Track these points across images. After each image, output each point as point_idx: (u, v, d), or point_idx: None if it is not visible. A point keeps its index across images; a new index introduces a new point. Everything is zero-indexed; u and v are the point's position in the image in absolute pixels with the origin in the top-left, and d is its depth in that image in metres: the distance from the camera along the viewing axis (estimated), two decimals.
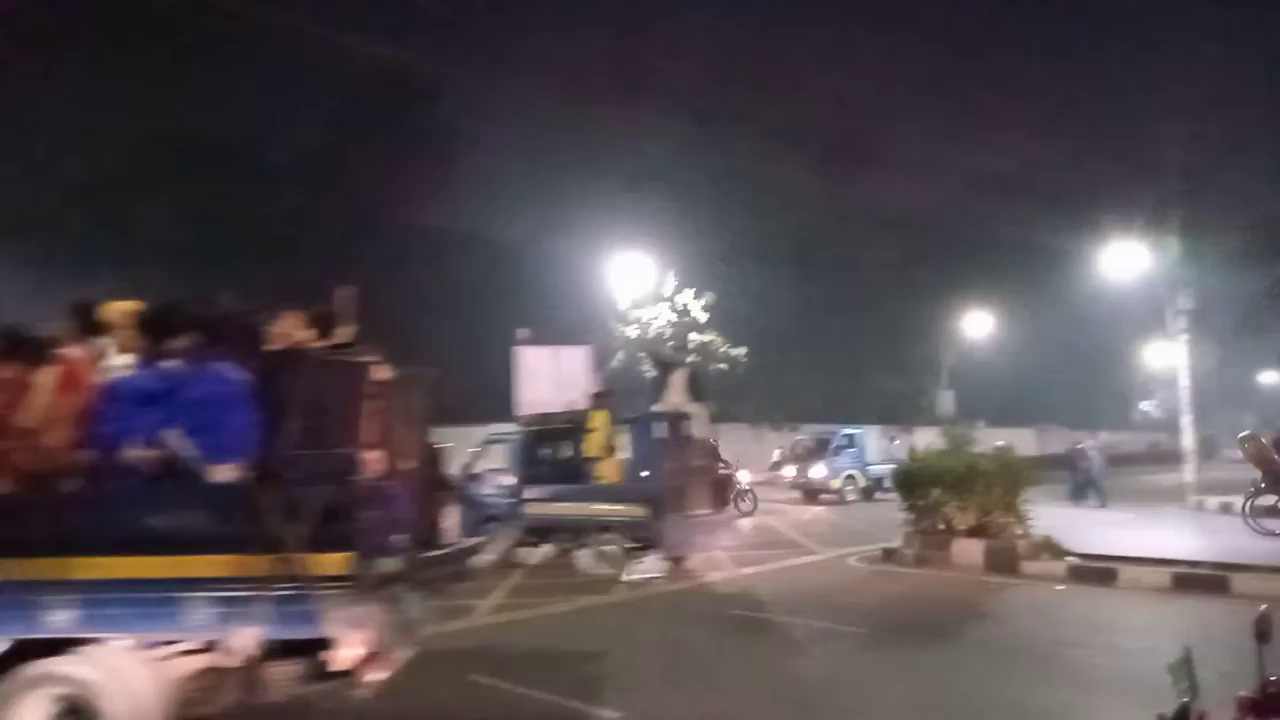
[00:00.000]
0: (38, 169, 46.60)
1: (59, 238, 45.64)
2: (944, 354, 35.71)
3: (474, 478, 13.87)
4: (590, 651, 8.18)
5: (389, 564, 5.22)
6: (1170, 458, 36.23)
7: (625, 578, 11.21)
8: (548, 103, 42.06)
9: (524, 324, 38.19)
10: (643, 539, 11.65)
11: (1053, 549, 11.76)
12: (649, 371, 37.34)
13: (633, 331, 37.99)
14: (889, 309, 36.94)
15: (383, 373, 5.79)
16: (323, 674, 4.96)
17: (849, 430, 26.65)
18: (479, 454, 14.57)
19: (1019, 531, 12.06)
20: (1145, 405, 51.61)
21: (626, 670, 7.64)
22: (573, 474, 12.60)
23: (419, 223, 39.69)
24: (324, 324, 5.80)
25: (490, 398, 36.69)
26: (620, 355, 37.52)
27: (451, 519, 7.27)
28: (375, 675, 5.17)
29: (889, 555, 12.63)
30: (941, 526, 12.28)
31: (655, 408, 13.22)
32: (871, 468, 25.63)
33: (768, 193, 37.27)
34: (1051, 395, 45.71)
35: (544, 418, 13.77)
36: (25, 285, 41.94)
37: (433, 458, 6.86)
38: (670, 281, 38.69)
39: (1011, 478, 12.26)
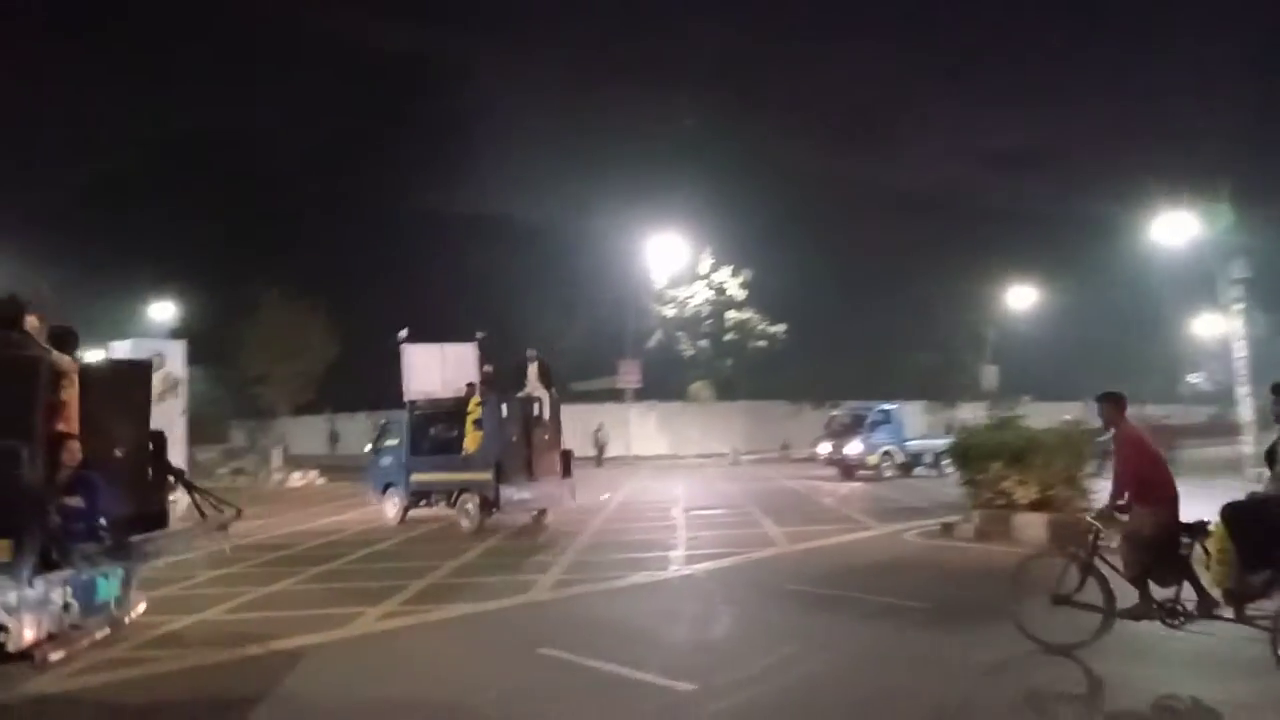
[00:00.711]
0: (66, 165, 47.03)
1: (90, 230, 46.45)
2: (987, 328, 35.20)
3: (377, 452, 17.02)
4: (657, 625, 8.12)
5: (83, 549, 5.50)
6: (1222, 430, 35.52)
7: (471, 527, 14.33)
8: (579, 83, 41.95)
9: (557, 307, 38.23)
10: (488, 499, 14.31)
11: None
12: (686, 350, 37.36)
13: (669, 311, 37.99)
14: (930, 283, 36.47)
15: (69, 364, 5.79)
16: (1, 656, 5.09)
17: (885, 406, 26.30)
18: (380, 433, 17.60)
19: (1082, 505, 11.82)
20: (1193, 378, 50.58)
21: (696, 643, 7.57)
22: (451, 448, 15.25)
23: (449, 208, 39.72)
24: (3, 317, 5.73)
25: (521, 377, 36.84)
26: (658, 334, 37.55)
27: (174, 502, 7.57)
28: (55, 656, 5.32)
29: (947, 530, 12.45)
30: (1001, 501, 12.06)
31: (520, 394, 15.64)
32: (909, 444, 25.34)
33: (806, 169, 36.97)
34: (1096, 369, 44.88)
35: (431, 403, 16.20)
36: (61, 276, 42.78)
37: (152, 445, 7.06)
38: (707, 260, 38.65)
39: (1074, 451, 12.01)
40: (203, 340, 41.74)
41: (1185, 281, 33.94)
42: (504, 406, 15.01)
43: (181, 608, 8.64)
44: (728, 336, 36.92)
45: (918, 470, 24.66)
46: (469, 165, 43.20)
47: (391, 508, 15.93)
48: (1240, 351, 21.20)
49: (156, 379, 17.94)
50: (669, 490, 21.90)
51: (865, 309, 37.07)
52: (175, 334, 45.11)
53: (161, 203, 44.88)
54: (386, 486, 16.30)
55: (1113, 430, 6.83)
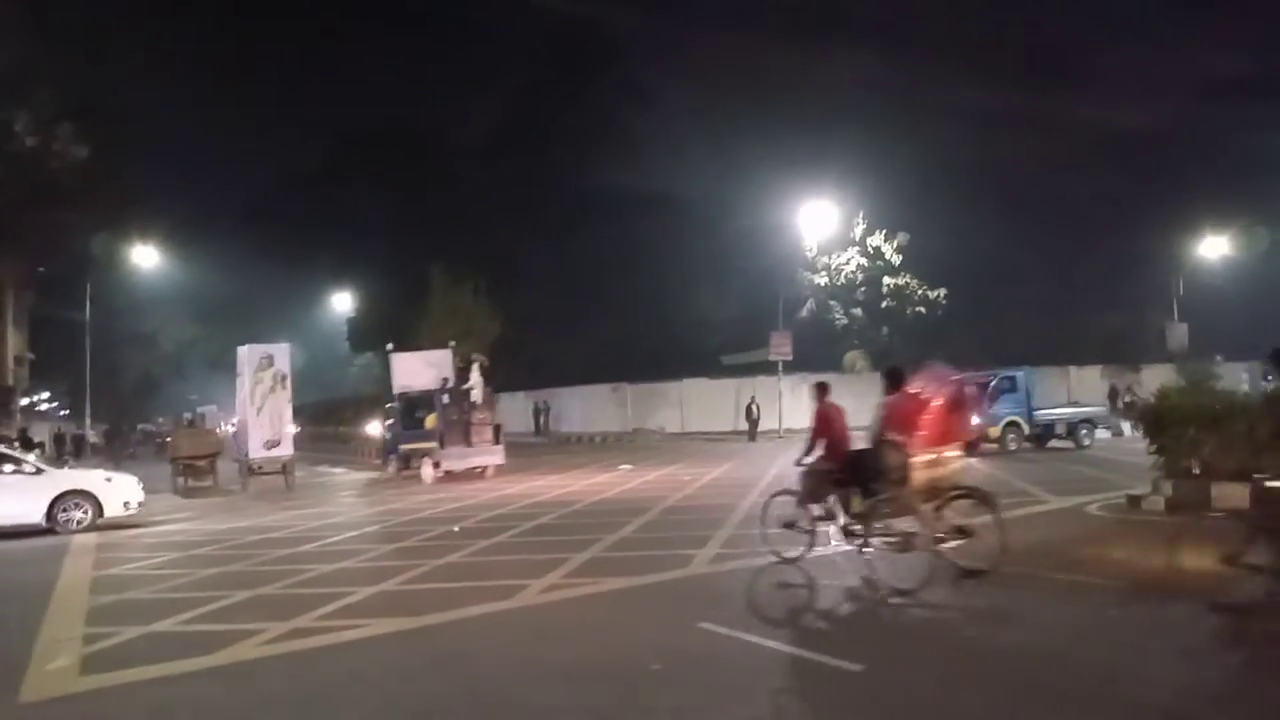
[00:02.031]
0: (260, 162, 50.31)
1: (281, 223, 49.98)
2: (1174, 284, 32.31)
3: (390, 427, 23.13)
4: (817, 601, 7.93)
5: None
6: None
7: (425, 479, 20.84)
8: (725, 53, 41.24)
9: (711, 279, 37.99)
10: (436, 461, 21.30)
11: None
12: (839, 319, 36.41)
13: (821, 279, 37.07)
14: (1108, 238, 33.79)
15: None
16: None
17: (1010, 373, 24.00)
18: (387, 416, 23.79)
19: None
20: None
21: (860, 622, 7.33)
22: (422, 426, 21.80)
23: (603, 186, 40.11)
24: None
25: (678, 354, 36.93)
26: (811, 304, 36.76)
27: None
28: None
29: (1134, 502, 11.53)
30: (1197, 470, 11.04)
31: (464, 387, 22.03)
32: (1040, 413, 23.18)
33: (965, 121, 34.98)
34: None
35: (414, 394, 22.16)
36: (254, 268, 46.01)
37: None
38: (859, 224, 37.37)
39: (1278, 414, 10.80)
40: (380, 325, 44.38)
41: None
42: (445, 396, 21.67)
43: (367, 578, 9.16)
44: (884, 304, 35.67)
45: (1053, 443, 22.75)
46: (623, 140, 43.53)
47: (392, 467, 22.61)
48: None
49: (267, 375, 21.34)
50: None
51: (1037, 268, 34.83)
52: (351, 321, 48.28)
53: (340, 196, 47.88)
54: (390, 453, 23.01)
55: None
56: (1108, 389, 30.08)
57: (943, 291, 34.60)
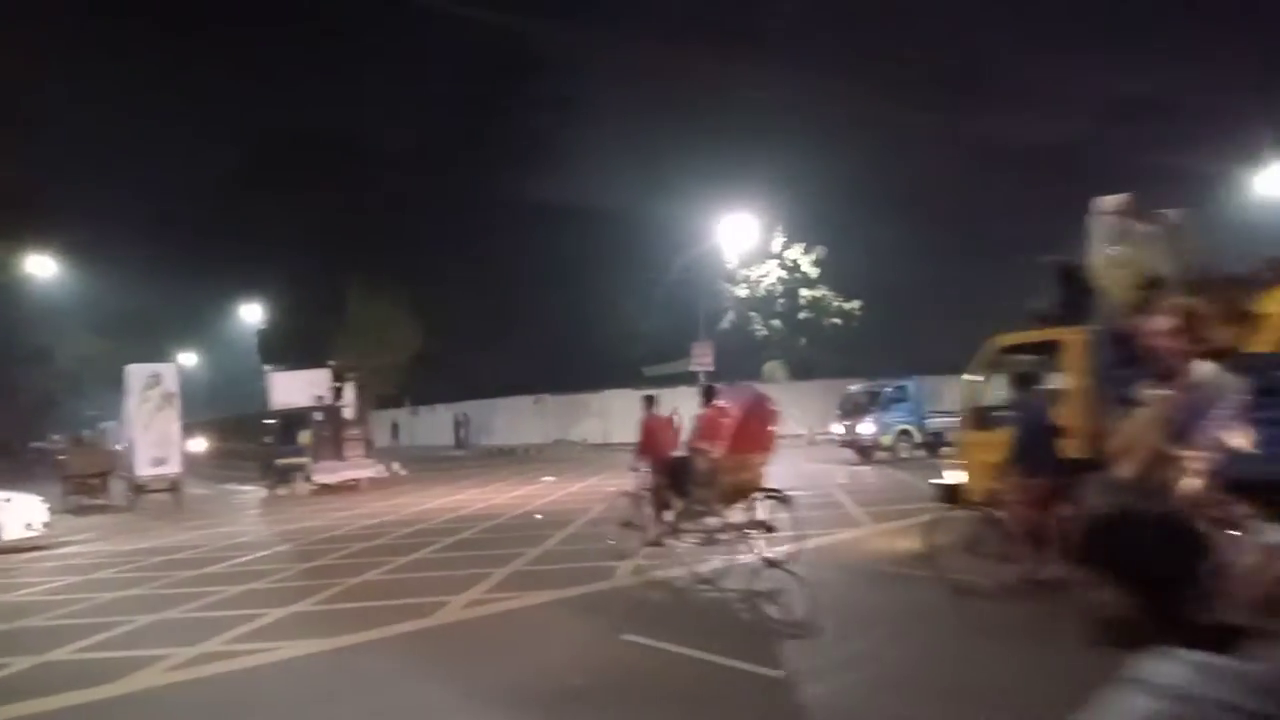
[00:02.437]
0: (169, 168, 48.66)
1: (190, 232, 48.20)
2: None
3: (268, 444, 24.29)
4: (738, 609, 8.02)
5: None
6: None
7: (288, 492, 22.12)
8: (648, 66, 41.46)
9: (634, 291, 38.03)
10: (309, 474, 22.26)
11: None
12: (760, 331, 36.94)
13: (742, 291, 37.60)
14: (1015, 250, 35.15)
15: None
16: None
17: (901, 382, 24.38)
18: (270, 429, 24.67)
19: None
20: None
21: (780, 628, 7.43)
22: (298, 442, 22.93)
23: (525, 196, 39.86)
24: None
25: (602, 365, 36.97)
26: (731, 315, 37.23)
27: None
28: None
29: None
30: None
31: (337, 404, 23.11)
32: (930, 421, 23.27)
33: (878, 137, 35.89)
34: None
35: (290, 411, 23.33)
36: (162, 278, 44.32)
37: None
38: (779, 237, 38.05)
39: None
40: (293, 336, 43.06)
41: None
42: (316, 414, 22.62)
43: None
44: (802, 315, 36.36)
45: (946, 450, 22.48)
46: (547, 151, 43.35)
47: (271, 483, 23.20)
48: None
49: (154, 394, 21.41)
50: None
51: (948, 280, 36.00)
52: (261, 332, 46.78)
53: (253, 204, 46.34)
54: (270, 468, 23.80)
55: None
56: None
57: (858, 304, 35.49)
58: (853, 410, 24.11)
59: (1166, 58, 42.64)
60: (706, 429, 9.09)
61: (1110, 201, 9.31)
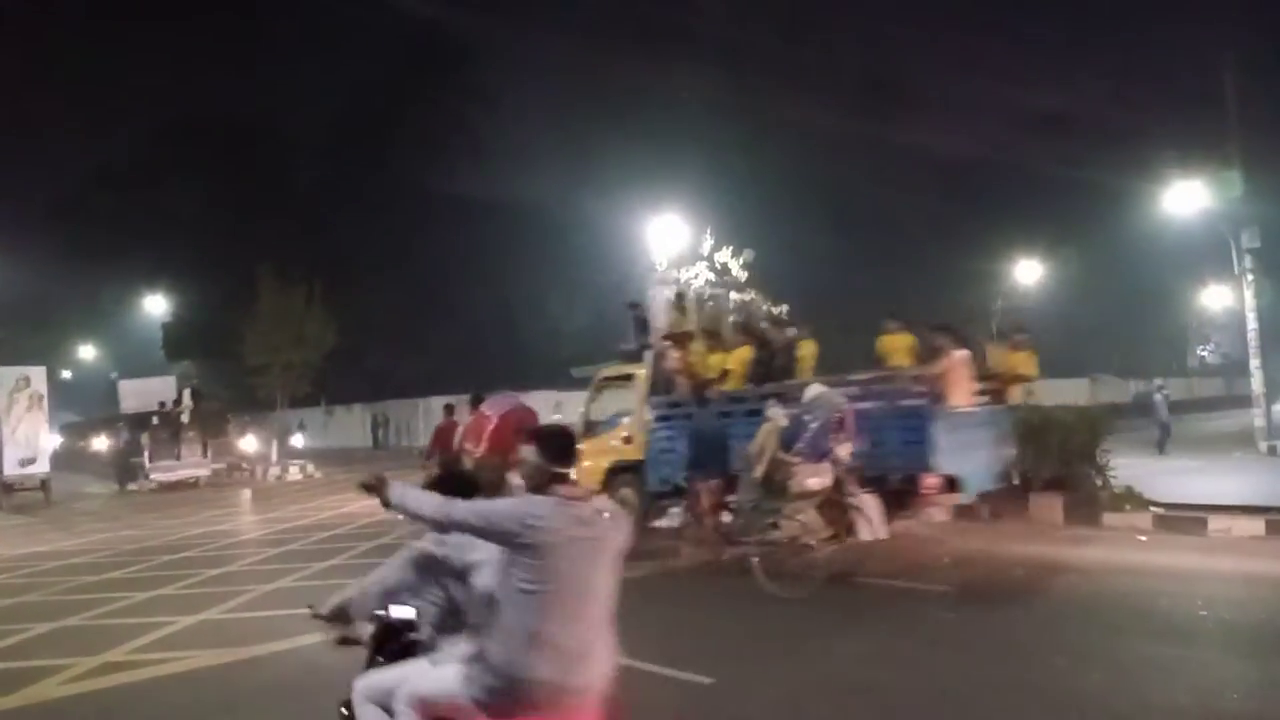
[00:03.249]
0: (69, 154, 46.25)
1: (91, 220, 45.92)
2: (993, 303, 34.81)
3: (115, 446, 27.34)
4: (667, 615, 7.87)
5: None
6: (1226, 403, 35.22)
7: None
8: (579, 62, 41.19)
9: (561, 291, 37.68)
10: (148, 472, 24.44)
11: (1135, 500, 11.32)
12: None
13: (670, 292, 37.62)
14: (933, 257, 36.06)
15: None
16: None
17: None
18: (118, 432, 27.27)
19: (1099, 483, 11.60)
20: (1203, 351, 50.29)
21: (706, 634, 7.31)
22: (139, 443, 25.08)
23: (447, 190, 39.13)
24: None
25: (528, 364, 36.54)
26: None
27: None
28: None
29: (962, 511, 12.16)
30: (1016, 480, 11.81)
31: (175, 410, 25.66)
32: None
33: (807, 143, 36.37)
34: (1103, 343, 44.68)
35: (137, 415, 25.67)
36: (61, 267, 42.20)
37: None
38: (707, 239, 38.16)
39: (1090, 427, 11.77)
40: (200, 330, 41.34)
41: (1195, 253, 33.53)
42: (155, 418, 25.18)
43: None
44: (730, 318, 36.60)
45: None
46: (471, 144, 42.64)
47: (133, 484, 24.78)
48: (1252, 323, 20.97)
49: (23, 396, 21.88)
50: None
51: (869, 284, 36.72)
52: (166, 326, 44.80)
53: (158, 193, 44.38)
54: (121, 467, 25.68)
55: None
56: None
57: (785, 307, 35.85)
58: None
59: (1081, 77, 44.38)
60: (470, 434, 9.84)
61: (666, 274, 14.42)
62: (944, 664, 6.10)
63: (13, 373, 22.59)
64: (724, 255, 38.03)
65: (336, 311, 33.61)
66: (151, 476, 24.04)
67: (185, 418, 25.30)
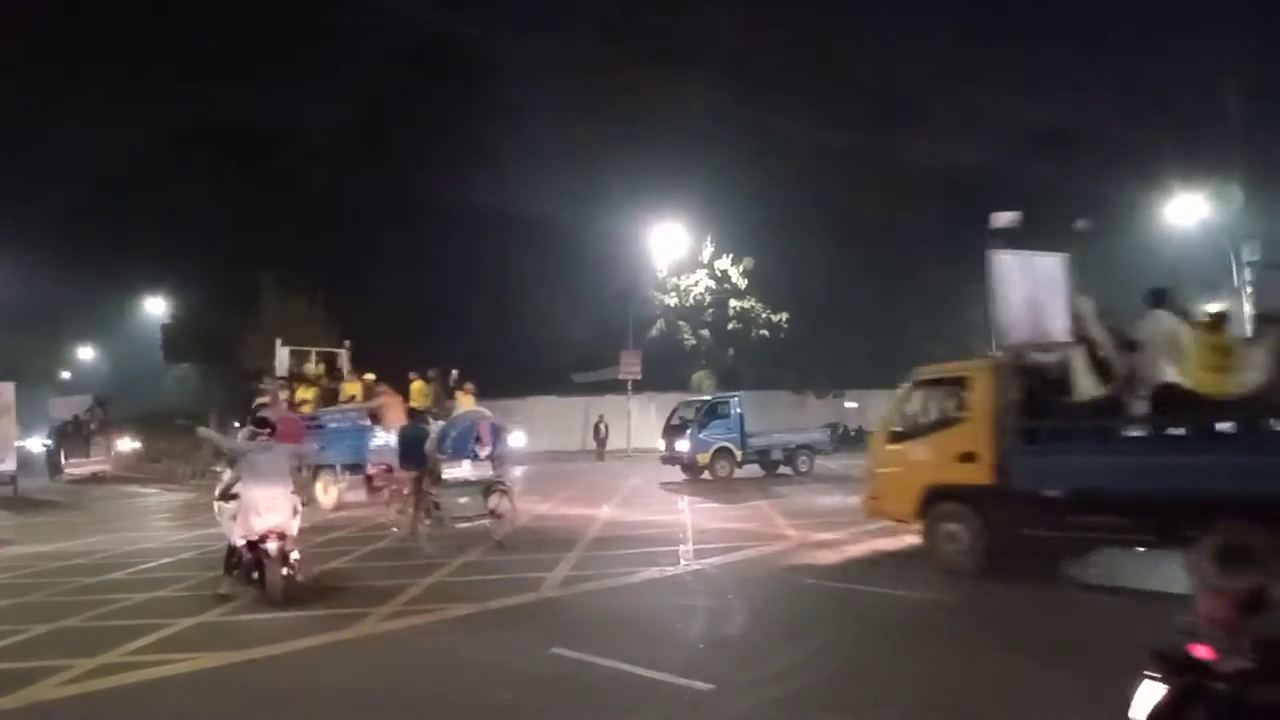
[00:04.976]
0: (73, 157, 46.03)
1: (94, 223, 45.94)
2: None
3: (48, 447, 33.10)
4: (667, 622, 7.88)
5: None
6: None
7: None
8: (583, 72, 41.28)
9: (563, 298, 37.63)
10: (62, 466, 31.00)
11: None
12: (688, 340, 37.08)
13: (671, 300, 37.62)
14: (935, 270, 36.07)
15: None
16: None
17: (724, 396, 23.67)
18: (50, 435, 33.13)
19: None
20: None
21: (707, 641, 7.30)
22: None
23: (452, 197, 39.15)
24: None
25: (530, 371, 36.55)
26: (660, 324, 37.22)
27: None
28: None
29: None
30: None
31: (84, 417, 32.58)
32: (753, 439, 22.06)
33: (807, 155, 36.41)
34: None
35: (63, 423, 32.54)
36: (63, 270, 42.17)
37: None
38: (708, 248, 38.22)
39: None
40: (201, 334, 41.29)
41: (1195, 265, 33.51)
42: (68, 426, 31.64)
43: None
44: (730, 325, 36.59)
45: (784, 469, 22.26)
46: (472, 156, 42.63)
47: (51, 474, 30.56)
48: None
49: None
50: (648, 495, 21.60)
51: (872, 296, 36.69)
52: (165, 328, 44.78)
53: (162, 197, 44.39)
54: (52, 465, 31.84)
55: None
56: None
57: (784, 315, 35.86)
58: (679, 425, 22.46)
59: (1082, 89, 44.49)
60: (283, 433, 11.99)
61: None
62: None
63: None
64: (724, 263, 38.20)
65: (342, 317, 33.61)
66: (67, 470, 30.08)
67: (94, 425, 31.93)
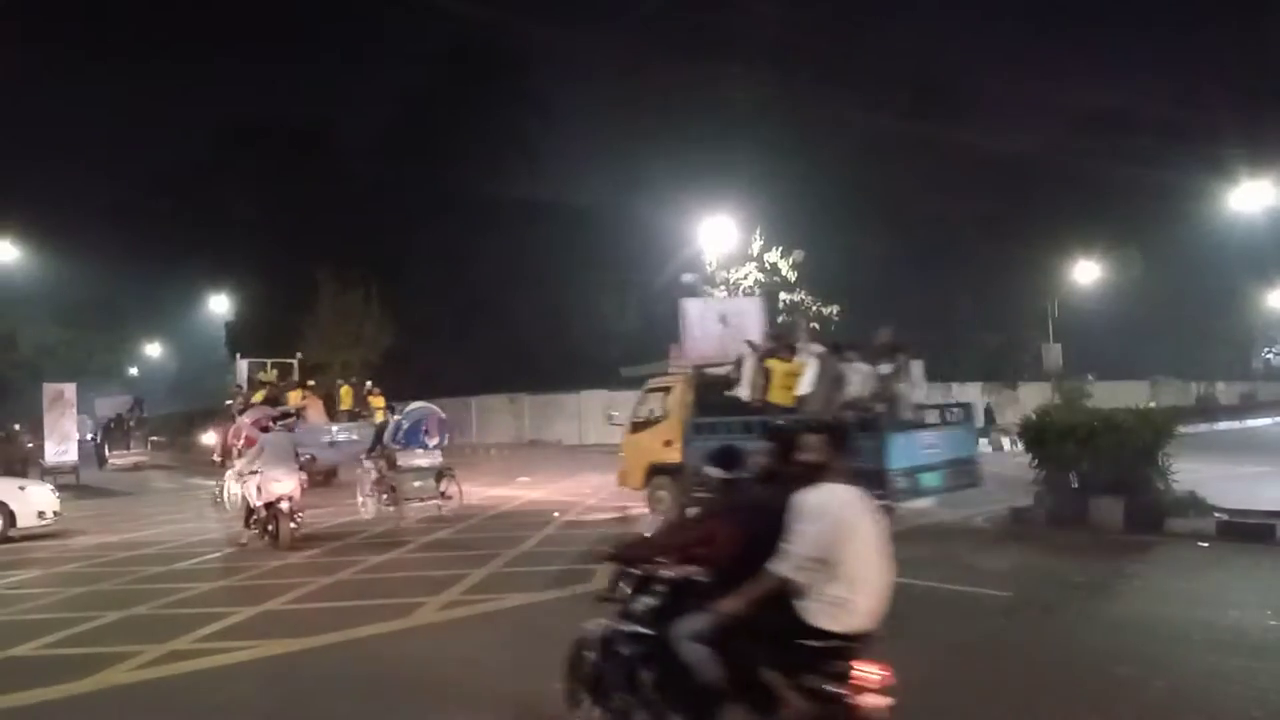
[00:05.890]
0: (132, 158, 47.14)
1: (154, 223, 47.31)
2: (1050, 305, 34.05)
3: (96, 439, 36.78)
4: None
5: None
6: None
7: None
8: (632, 64, 41.18)
9: (612, 291, 37.73)
10: (107, 457, 34.53)
11: (1199, 505, 11.02)
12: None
13: (720, 292, 37.42)
14: (987, 260, 35.41)
15: None
16: None
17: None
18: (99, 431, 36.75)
19: (1160, 487, 11.32)
20: (1269, 353, 48.70)
21: None
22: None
23: (499, 192, 39.51)
24: None
25: (577, 365, 36.75)
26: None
27: None
28: None
29: (1019, 514, 12.00)
30: (1076, 484, 11.59)
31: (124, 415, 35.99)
32: None
33: (857, 145, 35.96)
34: (1163, 345, 43.45)
35: (106, 420, 36.37)
36: (126, 269, 43.43)
37: None
38: (757, 240, 37.90)
39: (1153, 431, 11.47)
40: (264, 329, 42.29)
41: (1261, 252, 32.51)
42: (111, 422, 35.49)
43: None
44: (780, 319, 36.31)
45: None
46: (523, 152, 43.04)
47: (99, 463, 33.53)
48: None
49: (58, 405, 27.45)
50: None
51: (924, 287, 36.13)
52: (229, 325, 46.00)
53: (216, 194, 45.57)
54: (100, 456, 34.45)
55: None
56: (984, 406, 31.49)
57: (836, 308, 35.50)
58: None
59: (1143, 73, 43.19)
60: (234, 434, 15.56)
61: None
62: (1003, 670, 6.04)
63: (52, 389, 28.53)
64: (773, 255, 37.82)
65: (394, 312, 34.23)
66: (111, 461, 33.86)
67: (133, 423, 35.81)
